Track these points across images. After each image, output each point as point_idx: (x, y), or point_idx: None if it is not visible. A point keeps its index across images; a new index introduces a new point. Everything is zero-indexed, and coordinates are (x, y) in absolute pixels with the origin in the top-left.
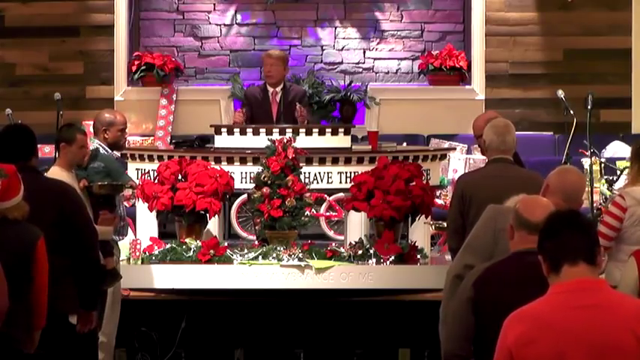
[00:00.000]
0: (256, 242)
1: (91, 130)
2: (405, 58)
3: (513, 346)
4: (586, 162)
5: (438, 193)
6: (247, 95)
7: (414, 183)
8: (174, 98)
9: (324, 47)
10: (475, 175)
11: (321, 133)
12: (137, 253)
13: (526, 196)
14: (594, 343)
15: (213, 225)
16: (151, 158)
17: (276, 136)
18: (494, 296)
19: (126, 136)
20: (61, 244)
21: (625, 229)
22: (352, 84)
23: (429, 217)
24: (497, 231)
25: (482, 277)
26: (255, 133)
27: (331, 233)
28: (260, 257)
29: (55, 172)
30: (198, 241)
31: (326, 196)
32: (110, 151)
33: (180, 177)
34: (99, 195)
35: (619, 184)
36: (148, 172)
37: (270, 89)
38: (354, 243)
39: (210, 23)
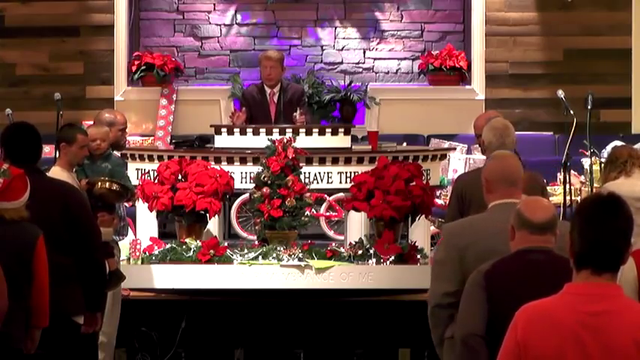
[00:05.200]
0: (256, 242)
1: None
2: (405, 58)
3: (521, 339)
4: (586, 162)
5: (438, 193)
6: (245, 96)
7: (414, 183)
8: (174, 98)
9: (324, 47)
10: (474, 175)
11: (321, 133)
12: (137, 253)
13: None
14: (596, 348)
15: (213, 225)
16: (151, 158)
17: (276, 136)
18: (503, 290)
19: (126, 135)
20: (67, 245)
21: None
22: (352, 84)
23: (429, 216)
24: (461, 249)
25: (492, 271)
26: (255, 133)
27: (331, 233)
28: (260, 257)
29: (56, 172)
30: (198, 241)
31: (326, 196)
32: (111, 151)
33: (180, 177)
34: (98, 195)
35: None
36: (148, 172)
37: (268, 90)
38: (354, 243)
39: (210, 23)
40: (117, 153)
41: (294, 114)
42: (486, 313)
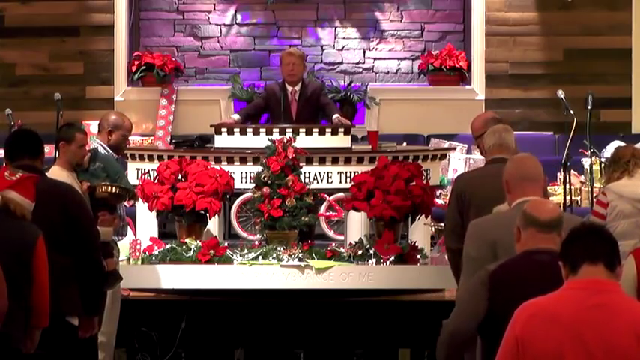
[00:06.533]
0: (256, 242)
1: (92, 130)
2: (405, 58)
3: (520, 336)
4: (586, 162)
5: (438, 193)
6: (267, 90)
7: (414, 183)
8: (174, 98)
9: (324, 47)
10: (474, 175)
11: (321, 133)
12: (137, 253)
13: (533, 199)
14: (596, 343)
15: (213, 225)
16: (151, 158)
17: (276, 136)
18: (508, 292)
19: (128, 142)
20: (65, 245)
21: (608, 224)
22: (352, 84)
23: (429, 217)
24: (491, 243)
25: (497, 272)
26: (255, 133)
27: (331, 233)
28: (260, 257)
29: (55, 172)
30: (198, 241)
31: (326, 196)
32: (110, 152)
33: (180, 177)
34: (100, 199)
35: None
36: (148, 172)
37: (289, 88)
38: (354, 243)
39: (210, 23)
40: (114, 154)
41: (334, 117)
42: (482, 313)
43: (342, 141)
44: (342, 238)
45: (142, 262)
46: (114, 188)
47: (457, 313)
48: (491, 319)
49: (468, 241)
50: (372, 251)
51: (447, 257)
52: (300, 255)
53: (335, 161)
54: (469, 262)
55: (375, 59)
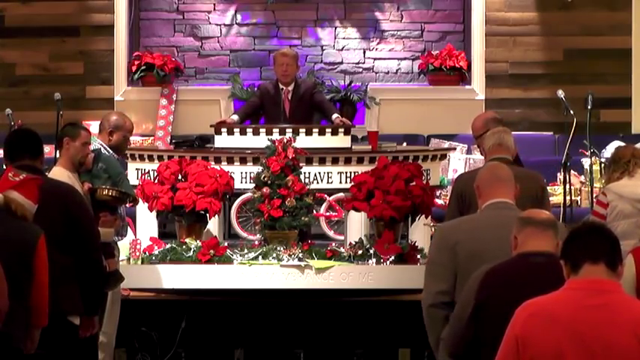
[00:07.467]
0: (256, 242)
1: (92, 130)
2: (405, 58)
3: (520, 335)
4: (586, 162)
5: (438, 193)
6: (261, 89)
7: (414, 183)
8: (174, 98)
9: (324, 47)
10: (474, 175)
11: (321, 133)
12: (137, 253)
13: (508, 203)
14: (595, 343)
15: (213, 225)
16: (151, 158)
17: (276, 136)
18: (499, 298)
19: (129, 142)
20: (66, 245)
21: (608, 224)
22: (352, 84)
23: (429, 217)
24: (452, 247)
25: (485, 280)
26: (255, 133)
27: (331, 233)
28: (260, 257)
29: (57, 172)
30: (198, 241)
31: (326, 196)
32: (111, 152)
33: (180, 177)
34: (100, 200)
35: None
36: (148, 172)
37: (283, 87)
38: (354, 243)
39: (210, 23)
40: (115, 155)
41: (334, 117)
42: (472, 335)
43: (342, 141)
44: (342, 238)
45: (142, 262)
46: (114, 192)
47: (451, 330)
48: (485, 320)
49: (432, 245)
50: (372, 251)
51: None
52: (300, 255)
53: (335, 161)
54: (431, 265)
55: (375, 59)
